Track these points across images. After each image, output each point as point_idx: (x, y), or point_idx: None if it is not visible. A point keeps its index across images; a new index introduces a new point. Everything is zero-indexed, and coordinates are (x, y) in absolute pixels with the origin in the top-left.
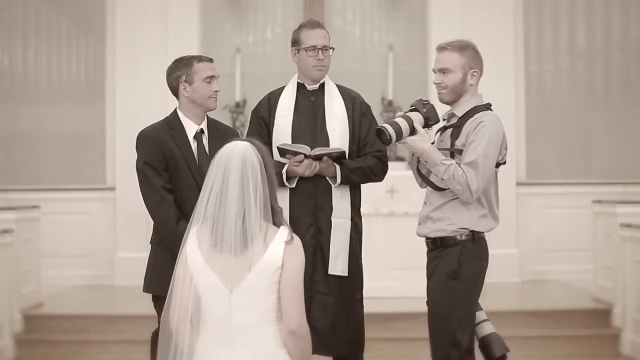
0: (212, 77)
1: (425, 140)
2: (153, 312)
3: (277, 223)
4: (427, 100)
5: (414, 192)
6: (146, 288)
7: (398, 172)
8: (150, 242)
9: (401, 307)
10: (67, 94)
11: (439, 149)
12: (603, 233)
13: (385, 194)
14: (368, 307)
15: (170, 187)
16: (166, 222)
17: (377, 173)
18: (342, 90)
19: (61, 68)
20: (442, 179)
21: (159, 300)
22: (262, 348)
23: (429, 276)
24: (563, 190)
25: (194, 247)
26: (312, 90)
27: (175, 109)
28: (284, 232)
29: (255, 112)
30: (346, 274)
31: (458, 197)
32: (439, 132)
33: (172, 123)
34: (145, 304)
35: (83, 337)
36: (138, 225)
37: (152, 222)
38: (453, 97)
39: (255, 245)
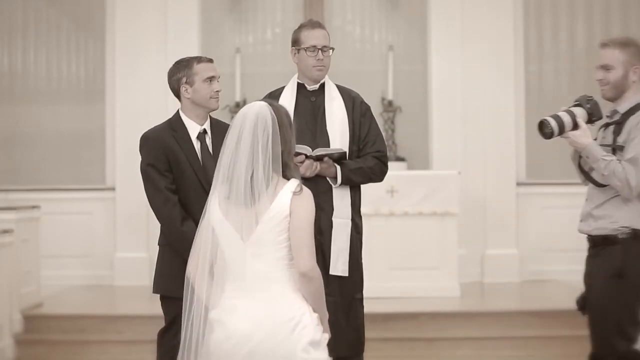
0: (212, 77)
1: (588, 136)
2: (153, 312)
3: (289, 177)
4: (591, 97)
5: (414, 192)
6: (155, 288)
7: (398, 172)
8: (158, 244)
9: (401, 307)
10: (67, 94)
11: (600, 145)
12: None
13: (385, 194)
14: (368, 307)
15: (174, 188)
16: (171, 222)
17: (378, 173)
18: (342, 91)
19: (61, 68)
20: (603, 175)
21: (167, 300)
22: (277, 293)
23: (588, 273)
24: (563, 190)
25: (215, 202)
26: (312, 90)
27: (178, 110)
28: (293, 183)
29: None
30: (347, 274)
31: (619, 195)
32: (602, 129)
33: (175, 124)
34: (145, 304)
35: (83, 337)
36: (138, 226)
37: (152, 223)
38: (615, 93)
39: (265, 197)
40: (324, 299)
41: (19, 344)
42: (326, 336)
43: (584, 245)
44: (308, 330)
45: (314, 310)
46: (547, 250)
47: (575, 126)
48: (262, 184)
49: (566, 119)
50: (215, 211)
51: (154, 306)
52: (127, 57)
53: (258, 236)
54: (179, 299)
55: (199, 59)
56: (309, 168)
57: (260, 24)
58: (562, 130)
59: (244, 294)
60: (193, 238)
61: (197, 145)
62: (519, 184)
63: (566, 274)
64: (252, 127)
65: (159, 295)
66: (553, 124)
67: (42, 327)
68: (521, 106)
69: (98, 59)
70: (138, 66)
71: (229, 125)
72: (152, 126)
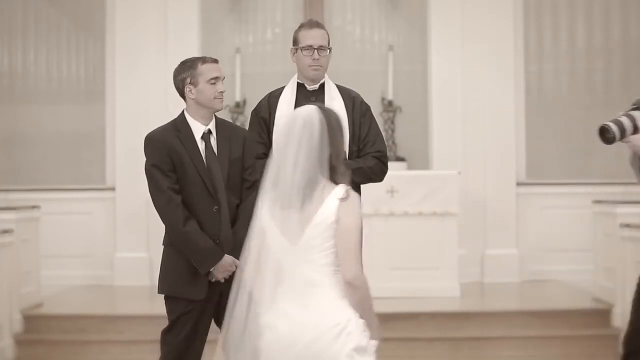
0: (216, 78)
1: None
2: (153, 312)
3: (337, 182)
4: None
5: (414, 192)
6: (159, 289)
7: (398, 172)
8: (163, 244)
9: (401, 307)
10: (67, 94)
11: None
12: (603, 233)
13: (385, 194)
14: None
15: (177, 188)
16: (173, 222)
17: (378, 173)
18: (342, 91)
19: (61, 68)
20: None
21: (171, 300)
22: (323, 299)
23: None
24: (563, 190)
25: (264, 206)
26: (312, 90)
27: (183, 110)
28: (340, 189)
29: (255, 112)
30: None
31: None
32: None
33: (179, 125)
34: (145, 304)
35: (83, 337)
36: (138, 226)
37: (152, 223)
38: None
39: (312, 202)
40: (372, 307)
41: (19, 344)
42: (374, 343)
43: (583, 245)
44: (353, 336)
45: (361, 317)
46: (547, 250)
47: (636, 130)
48: (309, 189)
49: (627, 123)
50: (265, 215)
51: (154, 306)
52: (127, 57)
53: (305, 242)
54: (183, 299)
55: (203, 60)
56: None
57: (260, 24)
58: (623, 134)
59: (292, 299)
60: (195, 238)
61: (201, 145)
62: (519, 184)
63: (566, 274)
64: (299, 130)
65: (163, 295)
66: (615, 129)
67: (42, 327)
68: (521, 106)
69: (98, 59)
70: (138, 66)
71: (235, 125)
72: (152, 126)
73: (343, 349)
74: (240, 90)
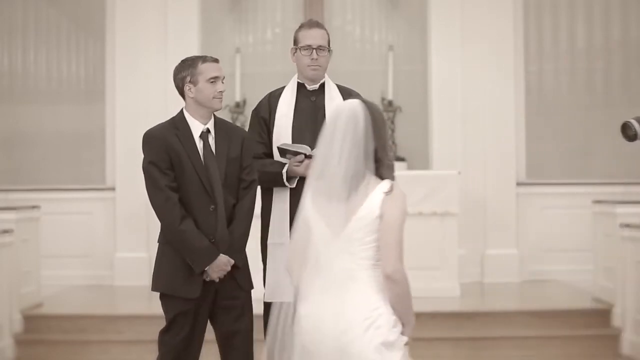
0: (216, 77)
1: None
2: (153, 312)
3: (382, 176)
4: None
5: (414, 192)
6: (154, 286)
7: (398, 172)
8: (158, 241)
9: None
10: (67, 94)
11: None
12: (603, 233)
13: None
14: None
15: (175, 186)
16: (170, 220)
17: None
18: (343, 90)
19: (61, 68)
20: None
21: (167, 298)
22: (358, 292)
23: None
24: (563, 190)
25: (308, 198)
26: (312, 90)
27: (182, 108)
28: (385, 184)
29: (256, 112)
30: None
31: None
32: None
33: (178, 123)
34: (145, 304)
35: (83, 337)
36: (138, 225)
37: (152, 223)
38: None
39: (356, 195)
40: (411, 302)
41: (19, 344)
42: (404, 339)
43: (583, 245)
44: (382, 330)
45: (397, 313)
46: (547, 250)
47: None
48: (354, 182)
49: None
50: (309, 207)
51: (154, 306)
52: (127, 57)
53: (347, 234)
54: (180, 298)
55: (204, 59)
56: (308, 168)
57: (260, 24)
58: None
59: (328, 290)
60: (191, 237)
61: (199, 144)
62: (519, 184)
63: (566, 274)
64: (344, 124)
65: (158, 294)
66: (637, 126)
67: (42, 327)
68: (521, 106)
69: (98, 59)
70: (138, 66)
71: (234, 125)
72: (152, 126)
73: (371, 342)
74: (240, 90)
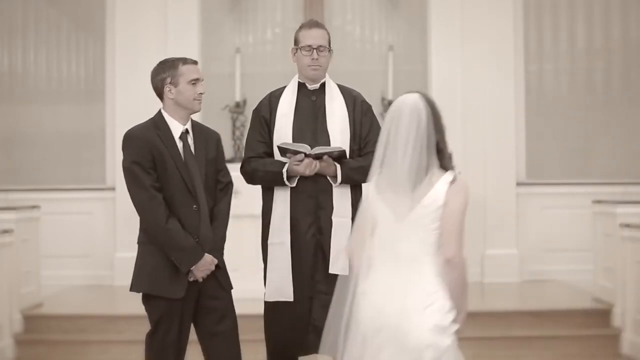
0: (197, 79)
1: None
2: None
3: (445, 167)
4: None
5: None
6: (135, 287)
7: None
8: (138, 242)
9: None
10: (67, 94)
11: None
12: (603, 233)
13: None
14: None
15: (158, 186)
16: (156, 220)
17: None
18: (343, 90)
19: (61, 68)
20: None
21: (150, 299)
22: (417, 276)
23: None
24: (563, 190)
25: (373, 186)
26: (313, 89)
27: (160, 109)
28: (449, 175)
29: (256, 111)
30: (347, 273)
31: None
32: None
33: (159, 123)
34: None
35: (83, 337)
36: (138, 226)
37: None
38: None
39: (421, 186)
40: (466, 290)
41: (19, 344)
42: (455, 326)
43: (583, 245)
44: (437, 315)
45: (452, 299)
46: (547, 250)
47: None
48: (420, 174)
49: None
50: (373, 194)
51: None
52: (127, 57)
53: (412, 220)
54: (165, 299)
55: (184, 60)
56: (308, 167)
57: (260, 24)
58: None
59: (391, 271)
60: (177, 236)
61: (179, 144)
62: (519, 184)
63: (566, 274)
64: (408, 118)
65: (140, 295)
66: None
67: (42, 327)
68: (521, 106)
69: (98, 59)
70: (138, 66)
71: (208, 128)
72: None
73: (424, 324)
74: (240, 90)
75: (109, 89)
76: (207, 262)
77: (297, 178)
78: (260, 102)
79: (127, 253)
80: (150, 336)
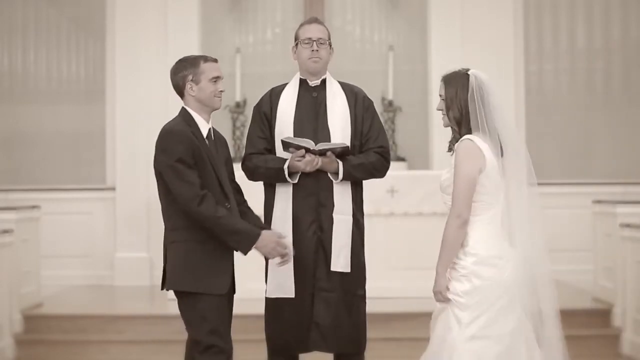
0: (217, 77)
1: None
2: (153, 312)
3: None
4: None
5: (414, 192)
6: (174, 285)
7: (398, 172)
8: (176, 240)
9: (402, 307)
10: (67, 94)
11: None
12: (603, 233)
13: (385, 194)
14: (369, 307)
15: (201, 182)
16: (210, 213)
17: (379, 169)
18: (344, 86)
19: (61, 68)
20: None
21: (186, 297)
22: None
23: None
24: (563, 190)
25: (487, 149)
26: (314, 86)
27: (183, 107)
28: None
29: (257, 107)
30: (348, 270)
31: None
32: None
33: (188, 120)
34: (145, 304)
35: (83, 337)
36: (138, 225)
37: (152, 223)
38: None
39: (510, 150)
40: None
41: (19, 344)
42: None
43: (583, 245)
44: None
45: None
46: (547, 250)
47: None
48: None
49: None
50: (492, 159)
51: (154, 306)
52: (127, 57)
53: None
54: (209, 295)
55: (205, 58)
56: (310, 163)
57: (260, 24)
58: None
59: (509, 233)
60: (232, 221)
61: (208, 141)
62: None
63: (566, 274)
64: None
65: (167, 293)
66: None
67: (42, 327)
68: (521, 106)
69: (98, 59)
70: (138, 66)
71: (217, 131)
72: (153, 126)
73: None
74: (240, 90)
75: (109, 89)
76: (268, 237)
77: (299, 174)
78: (261, 98)
79: (127, 253)
80: (189, 344)
